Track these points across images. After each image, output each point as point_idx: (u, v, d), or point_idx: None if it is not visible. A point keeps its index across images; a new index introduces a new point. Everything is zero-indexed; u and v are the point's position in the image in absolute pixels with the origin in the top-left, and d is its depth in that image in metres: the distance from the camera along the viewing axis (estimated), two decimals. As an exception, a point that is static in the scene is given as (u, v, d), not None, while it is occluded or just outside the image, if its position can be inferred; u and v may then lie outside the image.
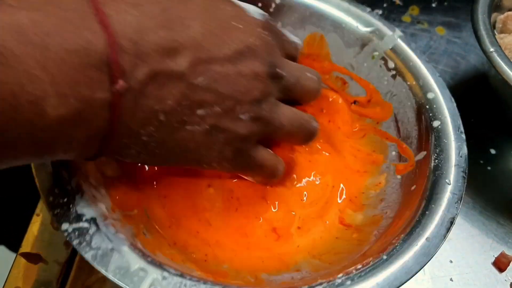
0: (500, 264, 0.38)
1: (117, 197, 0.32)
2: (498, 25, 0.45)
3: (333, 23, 0.40)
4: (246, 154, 0.30)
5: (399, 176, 0.35)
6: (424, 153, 0.34)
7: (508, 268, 0.38)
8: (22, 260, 0.37)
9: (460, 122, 0.34)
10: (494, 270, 0.38)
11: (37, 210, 0.40)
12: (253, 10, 0.30)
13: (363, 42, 0.39)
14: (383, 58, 0.38)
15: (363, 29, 0.39)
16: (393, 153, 0.37)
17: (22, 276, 0.37)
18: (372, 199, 0.36)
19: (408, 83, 0.37)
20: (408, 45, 0.38)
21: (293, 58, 0.32)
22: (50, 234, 0.39)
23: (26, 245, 0.38)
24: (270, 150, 0.32)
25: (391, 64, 0.38)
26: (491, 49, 0.40)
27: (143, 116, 0.25)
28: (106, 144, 0.25)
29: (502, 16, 0.45)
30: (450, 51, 0.47)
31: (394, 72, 0.38)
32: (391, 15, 0.40)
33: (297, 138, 0.32)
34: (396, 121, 0.37)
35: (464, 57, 0.51)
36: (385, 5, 0.52)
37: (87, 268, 0.37)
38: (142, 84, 0.24)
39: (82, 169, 0.30)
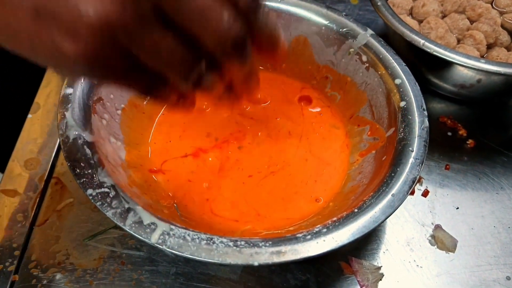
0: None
1: (133, 178, 0.38)
2: None
3: (314, 27, 0.46)
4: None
5: (373, 151, 0.41)
6: (392, 129, 0.39)
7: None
8: (1, 195, 0.43)
9: (422, 101, 0.39)
10: None
11: (13, 155, 0.46)
12: None
13: (340, 41, 0.45)
14: (358, 54, 0.44)
15: (340, 30, 0.45)
16: (369, 133, 0.42)
17: (2, 207, 0.42)
18: (352, 173, 0.41)
19: (379, 72, 0.42)
20: (379, 41, 0.44)
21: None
22: (26, 172, 0.45)
23: (4, 184, 0.44)
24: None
25: (364, 58, 0.44)
26: (379, 3, 0.50)
27: None
28: None
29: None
30: (362, 16, 0.59)
31: (367, 65, 0.43)
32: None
33: None
34: (371, 106, 0.43)
35: (373, 21, 0.61)
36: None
37: (57, 197, 0.44)
38: None
39: (103, 150, 0.36)
